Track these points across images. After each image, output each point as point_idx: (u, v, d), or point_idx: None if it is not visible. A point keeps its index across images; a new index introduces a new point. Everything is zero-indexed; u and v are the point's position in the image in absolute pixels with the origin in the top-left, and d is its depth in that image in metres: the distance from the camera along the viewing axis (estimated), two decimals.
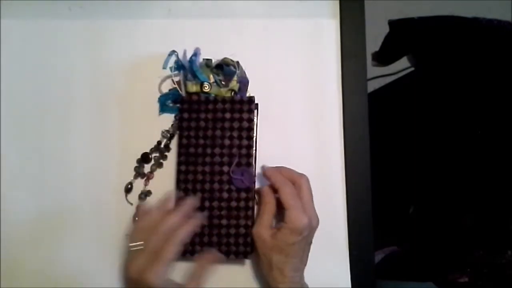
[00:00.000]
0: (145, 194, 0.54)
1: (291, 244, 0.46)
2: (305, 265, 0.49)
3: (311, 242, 0.49)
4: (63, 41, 0.57)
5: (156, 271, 0.43)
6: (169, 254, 0.44)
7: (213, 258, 0.49)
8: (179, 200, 0.50)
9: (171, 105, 0.55)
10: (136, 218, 0.52)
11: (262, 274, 0.49)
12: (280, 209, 0.49)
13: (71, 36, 0.57)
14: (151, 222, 0.47)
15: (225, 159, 0.51)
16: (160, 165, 0.54)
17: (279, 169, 0.50)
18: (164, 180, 0.54)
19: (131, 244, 0.46)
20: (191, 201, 0.49)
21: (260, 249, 0.48)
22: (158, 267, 0.43)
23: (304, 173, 0.51)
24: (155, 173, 0.54)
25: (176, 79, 0.54)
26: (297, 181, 0.48)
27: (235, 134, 0.51)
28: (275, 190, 0.49)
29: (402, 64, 1.13)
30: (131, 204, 0.54)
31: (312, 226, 0.47)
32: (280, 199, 0.47)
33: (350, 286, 0.54)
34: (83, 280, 0.53)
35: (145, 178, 0.54)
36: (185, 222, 0.47)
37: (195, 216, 0.49)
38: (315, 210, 0.49)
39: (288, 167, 0.51)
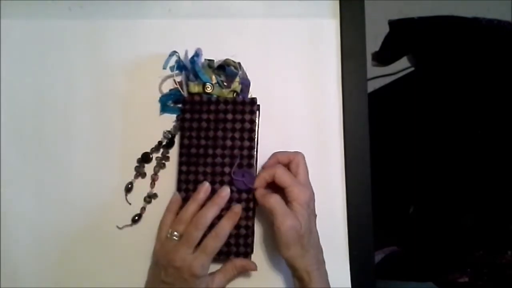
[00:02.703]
0: (151, 196, 0.54)
1: (307, 219, 0.47)
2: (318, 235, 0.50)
3: (315, 214, 0.50)
4: (63, 41, 0.57)
5: (203, 263, 0.47)
6: (215, 248, 0.48)
7: (247, 266, 0.51)
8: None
9: (172, 105, 0.55)
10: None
11: (293, 266, 0.48)
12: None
13: (71, 36, 0.57)
14: (189, 214, 0.49)
15: (227, 160, 0.51)
16: (162, 166, 0.54)
17: (274, 155, 0.51)
18: (166, 181, 0.54)
19: (176, 233, 0.48)
20: (225, 193, 0.50)
21: (292, 239, 0.46)
22: (204, 260, 0.47)
23: None
24: (158, 174, 0.54)
25: (178, 79, 0.54)
26: (294, 159, 0.50)
27: (236, 135, 0.51)
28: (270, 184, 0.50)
29: (402, 64, 1.13)
30: (130, 204, 0.54)
31: (313, 197, 0.49)
32: (278, 182, 0.48)
33: (350, 286, 0.54)
34: (83, 280, 0.53)
35: (151, 180, 0.54)
36: (227, 217, 0.49)
37: (233, 208, 0.50)
38: (310, 183, 0.50)
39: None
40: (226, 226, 0.49)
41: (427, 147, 0.86)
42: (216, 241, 0.48)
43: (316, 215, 0.50)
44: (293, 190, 0.47)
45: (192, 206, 0.49)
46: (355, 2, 0.58)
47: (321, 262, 0.49)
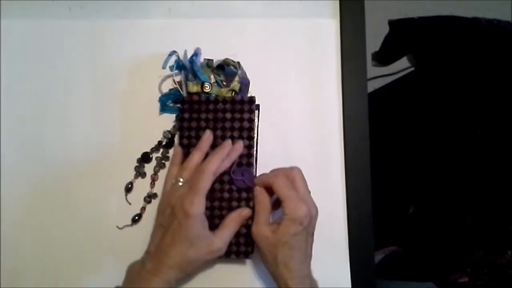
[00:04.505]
0: (151, 196, 0.54)
1: (294, 235, 0.46)
2: (310, 257, 0.48)
3: (313, 233, 0.49)
4: (63, 41, 0.57)
5: (192, 199, 0.46)
6: (202, 184, 0.47)
7: (243, 213, 0.51)
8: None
9: (171, 105, 0.55)
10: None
11: (269, 275, 0.49)
12: (277, 206, 0.50)
13: (71, 36, 0.57)
14: (194, 162, 0.50)
15: None
16: (162, 166, 0.54)
17: (269, 172, 0.50)
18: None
19: (181, 179, 0.49)
20: (228, 144, 0.50)
21: (263, 247, 0.47)
22: (194, 196, 0.46)
23: (303, 172, 0.51)
24: (158, 174, 0.55)
25: (177, 79, 0.54)
26: (289, 174, 0.48)
27: (235, 134, 0.51)
28: (269, 191, 0.49)
29: (402, 64, 1.12)
30: (130, 204, 0.54)
31: (311, 215, 0.47)
32: (275, 193, 0.48)
33: (350, 286, 0.54)
34: (83, 279, 0.53)
35: (150, 180, 0.54)
36: (214, 155, 0.49)
37: (223, 145, 0.50)
38: (312, 200, 0.49)
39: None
40: (211, 164, 0.48)
41: (427, 147, 0.86)
42: (201, 178, 0.47)
43: (313, 233, 0.49)
44: (288, 205, 0.46)
45: (196, 154, 0.50)
46: (355, 2, 0.58)
47: None
